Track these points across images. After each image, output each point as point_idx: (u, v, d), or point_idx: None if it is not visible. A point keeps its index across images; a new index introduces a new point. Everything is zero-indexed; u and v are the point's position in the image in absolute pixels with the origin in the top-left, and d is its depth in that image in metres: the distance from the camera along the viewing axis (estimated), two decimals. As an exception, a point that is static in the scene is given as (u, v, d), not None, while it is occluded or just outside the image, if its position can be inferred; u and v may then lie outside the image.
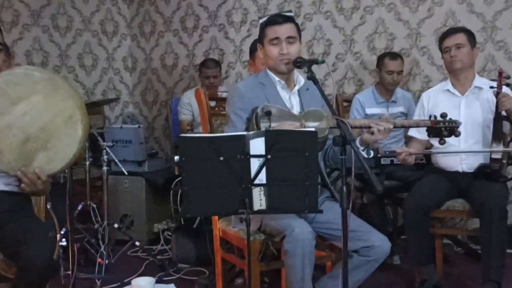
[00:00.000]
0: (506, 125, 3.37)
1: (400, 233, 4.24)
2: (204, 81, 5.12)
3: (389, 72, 4.37)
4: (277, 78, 2.87)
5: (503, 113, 3.35)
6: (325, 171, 2.90)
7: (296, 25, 2.88)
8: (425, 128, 2.89)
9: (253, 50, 3.93)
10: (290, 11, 3.00)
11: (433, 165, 3.65)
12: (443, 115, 2.83)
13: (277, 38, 2.80)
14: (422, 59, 4.82)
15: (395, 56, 4.44)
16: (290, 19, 2.86)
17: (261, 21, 2.97)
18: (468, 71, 3.57)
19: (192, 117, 5.07)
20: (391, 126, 2.64)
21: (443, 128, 2.82)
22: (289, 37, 2.80)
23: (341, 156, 2.31)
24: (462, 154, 3.44)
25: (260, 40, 2.91)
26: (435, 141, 3.27)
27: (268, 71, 2.91)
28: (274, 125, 2.59)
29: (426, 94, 3.75)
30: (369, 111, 4.41)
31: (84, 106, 2.44)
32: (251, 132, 2.30)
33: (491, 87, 3.39)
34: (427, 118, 3.61)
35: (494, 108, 3.36)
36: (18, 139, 2.38)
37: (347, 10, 5.10)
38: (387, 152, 3.65)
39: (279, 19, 2.84)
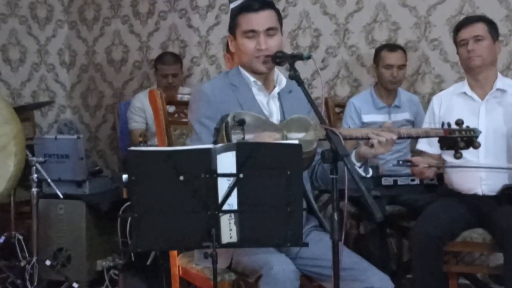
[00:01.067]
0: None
1: (405, 271, 4.26)
2: (161, 81, 5.13)
3: (387, 66, 4.41)
4: (252, 78, 2.87)
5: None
6: (312, 194, 2.91)
7: (277, 11, 2.88)
8: (437, 139, 2.90)
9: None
10: None
11: (446, 187, 3.68)
12: (459, 122, 2.85)
13: (253, 30, 2.80)
14: (433, 55, 4.88)
15: (394, 47, 4.50)
16: (269, 5, 2.85)
17: (232, 5, 2.97)
18: (489, 70, 3.61)
19: (145, 126, 5.06)
20: (395, 137, 2.65)
21: (459, 138, 2.83)
22: (268, 29, 2.80)
23: (332, 175, 2.32)
24: (482, 173, 3.46)
25: (231, 29, 2.91)
26: (449, 156, 3.28)
27: (241, 69, 2.91)
28: (249, 137, 2.59)
29: (438, 97, 3.78)
30: (366, 118, 4.44)
31: (22, 136, 2.42)
32: (219, 145, 2.30)
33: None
34: (438, 126, 3.67)
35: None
36: None
37: (340, -8, 5.16)
38: (401, 162, 3.63)
39: (255, 4, 2.82)
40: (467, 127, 2.85)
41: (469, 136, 2.83)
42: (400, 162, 3.62)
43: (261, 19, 2.81)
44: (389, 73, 4.40)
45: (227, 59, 4.24)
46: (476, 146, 2.84)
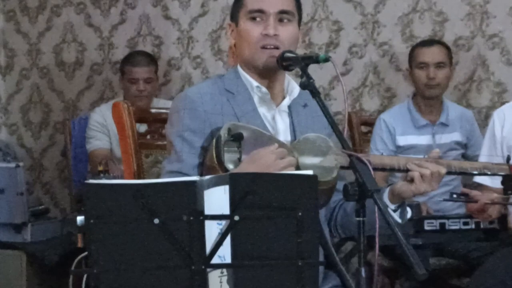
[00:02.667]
0: None
1: None
2: (129, 88, 5.17)
3: (420, 65, 4.46)
4: (255, 83, 2.86)
5: None
6: (332, 242, 2.91)
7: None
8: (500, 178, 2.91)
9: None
10: None
11: (510, 231, 3.68)
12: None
13: (261, 10, 2.81)
14: (492, 55, 4.92)
15: (430, 41, 4.58)
16: None
17: None
18: None
19: (109, 146, 5.07)
20: (444, 171, 2.64)
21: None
22: (282, 12, 2.81)
23: (358, 217, 2.33)
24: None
25: (233, 14, 2.92)
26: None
27: (240, 70, 2.92)
28: (246, 158, 2.61)
29: (500, 113, 3.82)
30: (403, 141, 4.48)
31: None
32: (207, 177, 2.30)
33: None
34: (499, 148, 3.68)
35: None
36: None
37: (367, -27, 5.20)
38: (454, 196, 3.62)
39: None
40: None
41: None
42: (454, 195, 3.63)
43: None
44: (424, 74, 4.44)
45: (231, 52, 4.20)
46: None
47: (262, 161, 2.54)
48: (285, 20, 2.82)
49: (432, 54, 4.45)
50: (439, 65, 4.44)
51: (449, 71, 4.53)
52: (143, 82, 5.12)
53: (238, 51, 2.92)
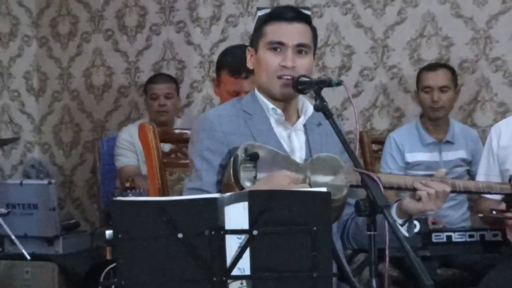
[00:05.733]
0: None
1: None
2: (151, 106, 5.20)
3: (425, 89, 4.46)
4: (271, 106, 2.87)
5: None
6: (344, 255, 2.91)
7: (313, 29, 2.91)
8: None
9: (221, 64, 3.97)
10: (308, 9, 2.97)
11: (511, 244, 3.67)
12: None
13: (281, 42, 2.82)
14: (495, 77, 4.91)
15: (435, 65, 4.55)
16: (305, 18, 2.89)
17: (259, 13, 2.96)
18: None
19: (137, 163, 5.08)
20: (448, 189, 2.65)
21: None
22: (299, 45, 2.83)
23: (369, 231, 2.33)
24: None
25: (253, 41, 2.93)
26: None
27: (257, 93, 2.92)
28: (262, 176, 2.62)
29: (496, 128, 3.81)
30: (411, 157, 4.47)
31: None
32: (227, 194, 2.30)
33: None
34: (496, 164, 3.68)
35: None
36: None
37: (376, 1, 5.20)
38: (494, 213, 3.56)
39: (289, 13, 2.86)
40: None
41: None
42: (493, 213, 3.56)
43: (292, 31, 2.83)
44: (428, 97, 4.43)
45: (214, 85, 4.20)
46: None
47: (277, 183, 2.55)
48: (303, 52, 2.84)
49: (436, 78, 4.43)
50: (443, 89, 4.42)
51: (453, 94, 4.50)
52: (163, 97, 5.13)
53: (256, 76, 2.93)
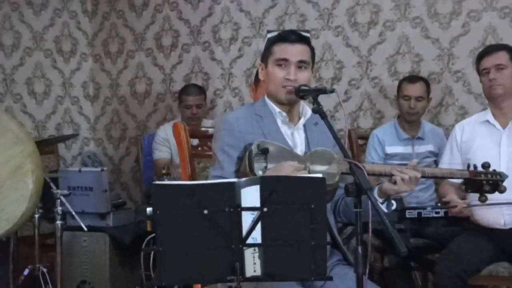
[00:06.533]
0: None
1: (431, 305, 4.24)
2: (184, 112, 5.16)
3: (405, 97, 4.42)
4: (277, 109, 2.88)
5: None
6: (336, 228, 2.90)
7: (311, 49, 2.92)
8: (462, 180, 2.89)
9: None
10: (308, 32, 2.99)
11: (470, 220, 3.66)
12: (485, 165, 2.84)
13: (285, 59, 2.83)
14: (456, 86, 4.88)
15: (415, 79, 4.50)
16: (305, 40, 2.90)
17: (269, 35, 3.00)
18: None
19: (170, 156, 5.08)
20: (419, 175, 2.65)
21: (484, 181, 2.82)
22: (300, 61, 2.83)
23: (356, 209, 2.33)
24: (504, 205, 3.44)
25: (264, 58, 2.94)
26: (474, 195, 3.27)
27: (267, 100, 2.93)
28: (271, 167, 2.62)
29: (460, 125, 3.80)
30: (390, 150, 4.45)
31: (37, 153, 2.45)
32: (243, 179, 2.31)
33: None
34: (459, 155, 3.67)
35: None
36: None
37: (362, 25, 5.17)
38: (439, 205, 3.63)
39: (292, 36, 2.88)
40: (494, 170, 2.84)
41: (495, 180, 2.82)
42: (438, 204, 3.62)
43: (295, 51, 2.84)
44: (406, 104, 4.40)
45: (251, 89, 4.31)
46: (502, 190, 2.82)
47: (283, 171, 2.56)
48: (303, 68, 2.84)
49: (414, 90, 4.40)
50: (418, 99, 4.40)
51: (426, 103, 4.49)
52: (195, 107, 5.12)
53: (266, 86, 2.95)
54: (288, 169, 2.57)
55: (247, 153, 2.63)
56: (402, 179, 2.62)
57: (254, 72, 4.23)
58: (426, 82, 4.53)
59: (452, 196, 3.52)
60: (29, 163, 2.42)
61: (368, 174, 2.42)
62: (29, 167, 2.42)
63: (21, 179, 2.42)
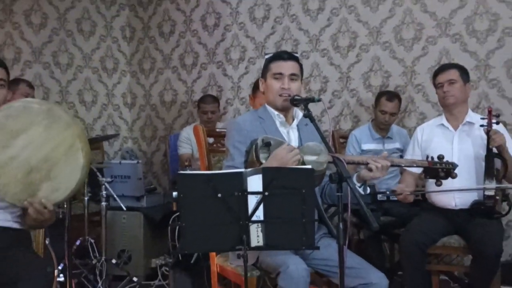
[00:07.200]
0: (498, 162, 3.37)
1: (397, 269, 4.22)
2: (202, 117, 5.15)
3: (382, 111, 4.38)
4: (276, 113, 2.90)
5: (495, 149, 3.36)
6: (323, 207, 2.90)
7: (300, 65, 2.92)
8: (422, 169, 2.89)
9: (256, 87, 4.05)
10: (296, 53, 3.06)
11: (428, 202, 3.65)
12: (440, 157, 2.84)
13: (280, 73, 2.85)
14: (417, 96, 4.85)
15: (392, 97, 4.42)
16: (295, 58, 2.92)
17: (267, 56, 3.02)
18: (462, 106, 3.60)
19: (191, 151, 5.08)
20: (389, 164, 2.65)
21: (439, 169, 2.82)
22: (292, 74, 2.85)
23: (338, 193, 2.33)
24: (456, 191, 3.43)
25: (264, 74, 2.96)
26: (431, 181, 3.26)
27: (267, 106, 2.94)
28: (270, 156, 2.61)
29: (421, 128, 3.78)
30: (365, 147, 4.42)
31: (84, 133, 2.48)
32: (249, 170, 2.31)
33: (481, 125, 3.40)
34: (419, 152, 3.66)
35: (486, 144, 3.37)
36: (21, 171, 2.41)
37: (343, 48, 5.15)
38: (387, 193, 3.64)
39: (285, 55, 2.90)
40: (447, 161, 2.84)
41: (448, 168, 2.82)
42: (387, 192, 3.63)
43: (287, 66, 2.86)
44: (382, 117, 4.37)
45: (250, 98, 4.35)
46: (454, 176, 2.83)
47: (278, 156, 2.55)
48: (294, 79, 2.86)
49: (390, 107, 4.36)
50: (392, 114, 4.39)
51: (397, 115, 4.48)
52: (210, 113, 5.10)
53: (266, 95, 2.96)
54: (281, 153, 2.55)
55: (253, 146, 2.62)
56: (376, 167, 2.62)
57: (252, 86, 4.23)
58: (400, 100, 4.48)
59: (400, 186, 3.52)
60: (79, 142, 2.43)
61: (350, 163, 2.42)
62: (79, 146, 2.43)
63: (73, 155, 2.43)
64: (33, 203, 2.42)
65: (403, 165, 3.02)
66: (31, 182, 2.42)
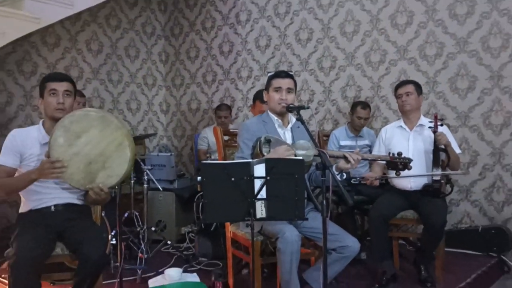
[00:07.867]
0: (442, 155, 3.39)
1: (366, 235, 4.22)
2: (218, 120, 5.14)
3: (358, 117, 4.35)
4: (275, 118, 2.89)
5: (442, 146, 3.36)
6: (310, 189, 2.90)
7: (295, 81, 2.91)
8: (385, 162, 2.89)
9: (255, 98, 4.03)
10: (291, 71, 3.06)
11: (390, 185, 3.65)
12: (399, 153, 2.84)
13: (279, 87, 2.84)
14: (382, 105, 4.84)
15: (366, 106, 4.39)
16: (291, 76, 2.90)
17: (269, 74, 3.01)
18: (416, 113, 3.59)
19: (207, 147, 5.08)
20: (360, 158, 2.66)
21: (398, 163, 2.82)
22: (288, 88, 2.84)
23: (322, 178, 2.32)
24: (412, 176, 3.43)
25: (267, 88, 2.94)
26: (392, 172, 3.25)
27: (269, 112, 2.93)
28: (272, 150, 2.60)
29: (384, 129, 3.76)
30: (342, 143, 4.41)
31: (130, 134, 2.50)
32: (255, 160, 2.30)
33: (429, 127, 3.40)
34: (384, 147, 3.65)
35: (433, 141, 3.38)
36: (83, 163, 2.45)
37: (326, 68, 5.14)
38: (358, 178, 3.62)
39: (283, 74, 2.88)
40: (404, 157, 2.84)
41: (405, 162, 2.82)
42: (358, 178, 3.61)
43: (285, 82, 2.84)
44: (358, 121, 4.35)
45: (251, 108, 4.33)
46: (409, 168, 2.83)
47: (278, 152, 2.55)
48: (290, 91, 2.84)
49: (365, 114, 4.34)
50: (366, 119, 4.37)
51: (368, 120, 4.45)
52: (224, 117, 5.07)
53: (268, 104, 2.93)
54: (281, 148, 2.56)
55: (258, 142, 2.62)
56: (352, 160, 2.61)
57: (252, 99, 4.23)
58: (370, 108, 4.44)
59: (369, 174, 3.52)
60: (126, 140, 2.44)
61: (330, 156, 2.41)
62: (127, 143, 2.44)
63: (122, 150, 2.44)
64: (93, 188, 2.45)
65: (370, 159, 3.01)
66: (91, 171, 2.45)
